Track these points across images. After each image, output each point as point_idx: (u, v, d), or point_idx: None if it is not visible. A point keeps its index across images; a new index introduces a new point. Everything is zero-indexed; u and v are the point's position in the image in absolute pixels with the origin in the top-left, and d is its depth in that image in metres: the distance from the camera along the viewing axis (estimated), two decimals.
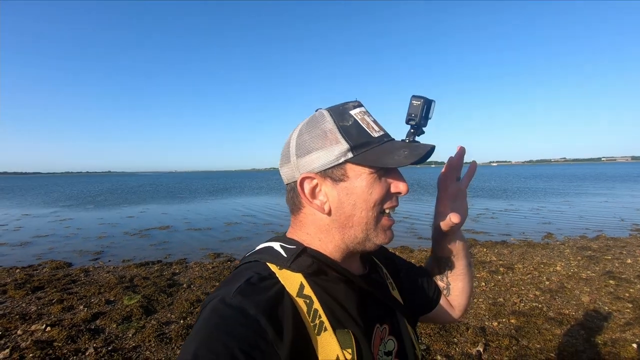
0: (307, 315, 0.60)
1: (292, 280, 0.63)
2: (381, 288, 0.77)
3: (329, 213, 0.68)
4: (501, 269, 5.95)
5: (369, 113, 0.70)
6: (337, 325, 0.62)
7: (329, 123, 0.67)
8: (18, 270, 6.77)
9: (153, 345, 3.51)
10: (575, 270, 5.82)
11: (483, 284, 5.25)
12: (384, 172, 0.68)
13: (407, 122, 0.72)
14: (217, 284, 5.51)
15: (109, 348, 3.44)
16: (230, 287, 0.60)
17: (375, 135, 0.68)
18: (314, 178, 0.69)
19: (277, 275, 0.63)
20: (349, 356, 0.59)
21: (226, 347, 0.51)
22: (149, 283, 5.60)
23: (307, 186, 0.69)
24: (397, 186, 0.68)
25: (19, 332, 3.82)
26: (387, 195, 0.68)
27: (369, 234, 0.68)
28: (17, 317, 4.24)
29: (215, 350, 0.51)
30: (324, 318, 0.61)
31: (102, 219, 14.57)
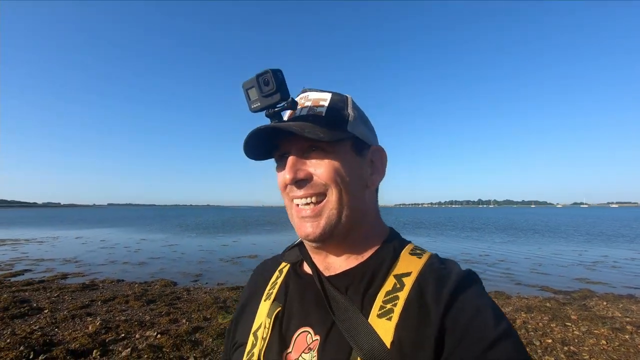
0: (271, 283, 0.76)
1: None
2: (336, 298, 0.61)
3: None
4: (628, 327, 4.93)
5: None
6: (278, 299, 0.71)
7: None
8: (137, 285, 7.93)
9: None
10: None
11: (604, 342, 4.40)
12: (284, 162, 0.65)
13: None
14: None
15: (206, 359, 3.78)
16: None
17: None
18: None
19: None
20: (268, 323, 0.67)
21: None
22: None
23: None
24: (283, 175, 0.64)
25: (137, 335, 4.45)
26: (284, 185, 0.65)
27: (292, 222, 0.67)
28: (136, 323, 4.96)
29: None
30: (275, 290, 0.73)
31: (201, 246, 16.28)
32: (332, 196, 0.62)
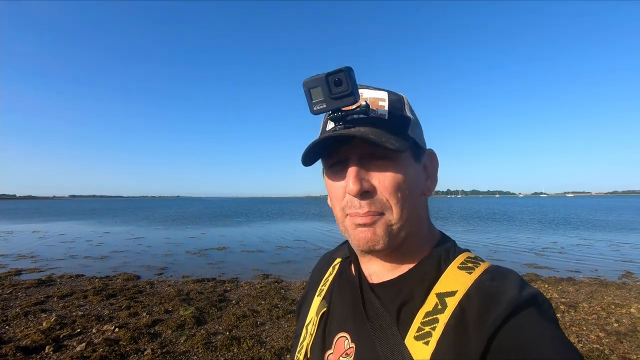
0: (324, 279, 0.78)
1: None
2: (376, 310, 0.59)
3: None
4: (562, 306, 5.44)
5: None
6: (327, 297, 0.73)
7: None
8: (97, 280, 7.74)
9: (200, 351, 3.84)
10: None
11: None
12: (341, 168, 0.60)
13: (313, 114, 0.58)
14: (263, 302, 5.81)
15: (163, 350, 3.84)
16: None
17: (328, 128, 0.62)
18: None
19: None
20: (315, 320, 0.69)
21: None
22: (202, 297, 6.07)
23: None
24: (347, 185, 0.57)
25: (93, 330, 4.42)
26: (343, 195, 0.60)
27: (345, 233, 0.62)
28: (94, 318, 4.90)
29: None
30: (325, 287, 0.74)
31: (168, 238, 15.97)
32: (394, 209, 0.57)
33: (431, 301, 0.55)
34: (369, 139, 0.54)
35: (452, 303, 0.52)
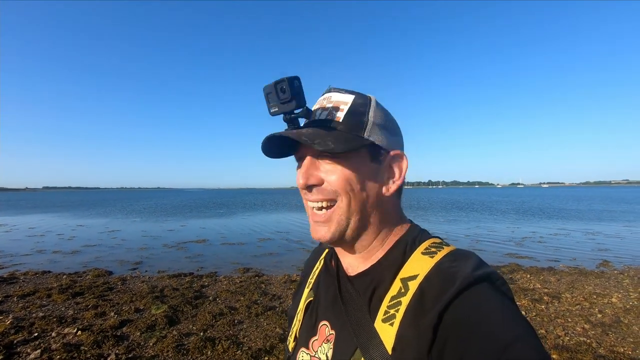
0: (313, 272, 0.82)
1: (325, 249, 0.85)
2: (351, 298, 0.64)
3: None
4: (545, 297, 5.41)
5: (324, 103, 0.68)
6: (314, 288, 0.78)
7: None
8: (65, 277, 7.27)
9: (170, 355, 3.54)
10: (636, 303, 5.13)
11: (523, 313, 4.78)
12: (300, 163, 0.67)
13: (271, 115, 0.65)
14: (242, 298, 5.54)
15: (129, 355, 3.52)
16: None
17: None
18: None
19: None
20: (302, 308, 0.77)
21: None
22: (177, 294, 5.74)
23: None
24: (297, 178, 0.65)
25: (53, 334, 4.04)
26: (300, 185, 0.66)
27: (309, 221, 0.69)
28: (55, 319, 4.50)
29: None
30: (313, 279, 0.80)
31: (145, 231, 15.38)
32: (342, 203, 0.63)
33: (396, 286, 0.60)
34: (300, 140, 0.60)
35: (413, 286, 0.57)
